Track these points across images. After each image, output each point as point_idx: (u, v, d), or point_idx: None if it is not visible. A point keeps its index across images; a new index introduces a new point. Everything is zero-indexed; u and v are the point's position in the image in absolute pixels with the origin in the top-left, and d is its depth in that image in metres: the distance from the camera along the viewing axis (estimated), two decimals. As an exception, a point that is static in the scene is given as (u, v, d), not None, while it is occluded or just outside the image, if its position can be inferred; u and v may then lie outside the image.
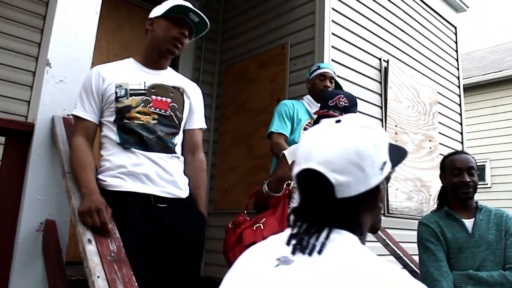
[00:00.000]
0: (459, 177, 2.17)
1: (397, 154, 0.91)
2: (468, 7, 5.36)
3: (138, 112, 1.78)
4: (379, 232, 2.83)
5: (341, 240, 0.77)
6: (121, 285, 1.38)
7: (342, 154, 0.79)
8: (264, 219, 2.19)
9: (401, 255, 2.72)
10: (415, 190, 4.13)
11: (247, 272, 0.81)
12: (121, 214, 1.63)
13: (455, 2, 5.24)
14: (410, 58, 4.47)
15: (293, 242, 0.79)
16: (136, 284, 1.41)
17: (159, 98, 1.83)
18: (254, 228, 2.17)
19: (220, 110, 4.29)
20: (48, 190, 1.94)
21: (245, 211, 2.32)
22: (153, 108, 1.81)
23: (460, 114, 5.15)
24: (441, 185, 2.33)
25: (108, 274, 1.41)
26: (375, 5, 4.09)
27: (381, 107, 3.97)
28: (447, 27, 5.18)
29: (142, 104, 1.79)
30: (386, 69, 4.05)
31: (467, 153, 2.30)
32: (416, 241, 2.27)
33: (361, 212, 0.84)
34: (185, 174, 1.90)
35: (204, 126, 2.04)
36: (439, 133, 4.66)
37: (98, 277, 1.39)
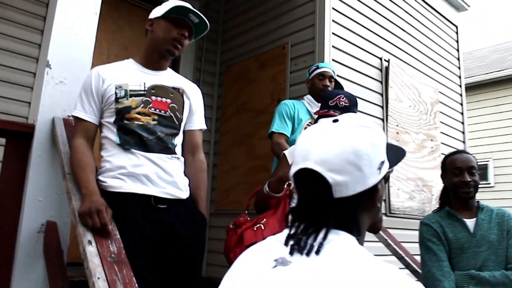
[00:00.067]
0: (459, 177, 2.16)
1: (395, 154, 0.91)
2: (469, 6, 5.35)
3: (138, 113, 1.78)
4: (380, 232, 2.82)
5: (338, 241, 0.77)
6: (121, 286, 1.38)
7: (339, 153, 0.78)
8: (265, 219, 2.19)
9: (403, 255, 2.71)
10: (417, 189, 4.13)
11: (246, 272, 0.81)
12: (121, 215, 1.63)
13: (456, 1, 5.23)
14: (411, 58, 4.46)
15: (291, 242, 0.78)
16: (136, 285, 1.41)
17: (159, 99, 1.83)
18: (255, 229, 2.17)
19: (221, 111, 4.28)
20: (49, 191, 1.95)
21: (246, 212, 2.32)
22: (153, 109, 1.81)
23: (462, 113, 5.14)
24: (443, 184, 2.33)
25: (109, 275, 1.41)
26: (376, 5, 4.08)
27: (382, 107, 3.97)
28: (448, 26, 5.17)
29: (142, 105, 1.79)
30: (387, 68, 4.04)
31: (468, 153, 2.29)
32: (418, 241, 2.26)
33: (359, 212, 0.83)
34: (185, 175, 1.90)
35: (204, 127, 2.04)
36: (441, 132, 4.65)
37: (99, 278, 1.39)
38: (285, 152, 2.31)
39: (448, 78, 5.00)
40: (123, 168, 1.72)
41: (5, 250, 1.86)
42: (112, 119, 1.78)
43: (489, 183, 9.63)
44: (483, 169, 9.58)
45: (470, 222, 2.16)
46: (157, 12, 1.88)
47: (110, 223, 1.55)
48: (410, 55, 4.45)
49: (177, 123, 1.87)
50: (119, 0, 3.88)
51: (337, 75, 3.09)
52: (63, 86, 2.06)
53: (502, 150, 9.57)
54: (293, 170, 0.84)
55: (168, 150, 1.81)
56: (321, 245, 0.75)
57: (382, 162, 0.84)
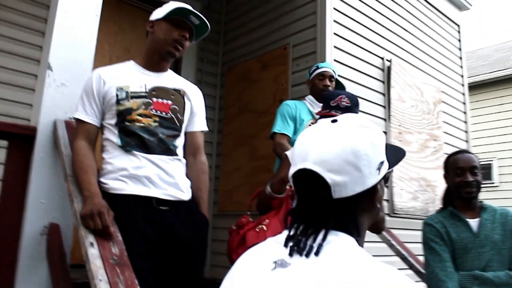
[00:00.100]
0: (461, 177, 2.15)
1: (395, 154, 0.90)
2: (471, 5, 5.33)
3: (139, 115, 1.78)
4: (383, 232, 2.81)
5: (338, 242, 0.77)
6: (123, 288, 1.38)
7: (338, 153, 0.78)
8: (267, 220, 2.19)
9: (406, 255, 2.70)
10: (420, 190, 4.11)
11: (247, 273, 0.81)
12: (123, 217, 1.63)
13: (458, 0, 5.22)
14: (413, 57, 4.45)
15: (290, 244, 0.78)
16: (138, 287, 1.40)
17: (160, 100, 1.84)
18: (257, 230, 2.17)
19: (223, 112, 4.29)
20: (51, 194, 1.95)
21: (248, 213, 2.32)
22: (154, 110, 1.81)
23: (465, 113, 5.12)
24: (446, 184, 2.32)
25: (111, 277, 1.41)
26: (377, 4, 4.08)
27: (384, 107, 3.96)
28: (451, 26, 5.15)
29: (143, 107, 1.80)
30: (389, 68, 4.03)
31: (470, 152, 2.28)
32: (421, 241, 2.25)
33: (358, 213, 0.83)
34: (187, 177, 1.90)
35: (205, 128, 2.04)
36: (444, 132, 4.63)
37: (101, 280, 1.39)
38: (287, 152, 2.31)
39: (450, 78, 4.99)
40: (124, 170, 1.72)
41: (8, 253, 1.86)
42: (113, 121, 1.79)
43: (493, 183, 9.59)
44: (487, 169, 9.55)
45: (474, 222, 2.15)
46: (158, 14, 1.89)
47: (111, 225, 1.55)
48: (412, 54, 4.44)
49: (178, 124, 1.87)
50: (121, 1, 3.89)
51: (339, 76, 3.08)
52: (65, 88, 2.06)
53: (507, 149, 9.53)
54: (292, 170, 0.84)
55: (170, 151, 1.81)
56: (320, 246, 0.75)
57: (382, 163, 0.83)
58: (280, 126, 2.77)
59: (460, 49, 5.24)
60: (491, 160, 9.67)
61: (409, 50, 4.41)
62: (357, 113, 2.32)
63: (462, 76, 5.20)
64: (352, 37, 3.72)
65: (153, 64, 1.91)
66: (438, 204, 3.99)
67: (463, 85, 5.19)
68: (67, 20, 2.12)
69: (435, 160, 4.33)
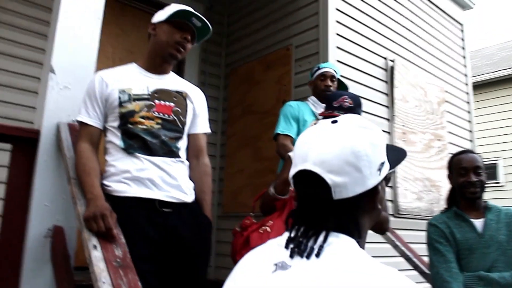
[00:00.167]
0: (465, 177, 2.14)
1: (395, 154, 0.90)
2: (474, 4, 5.31)
3: (142, 117, 1.78)
4: (388, 233, 2.81)
5: (338, 244, 0.76)
6: (126, 291, 1.38)
7: (338, 154, 0.78)
8: (270, 221, 2.19)
9: (411, 256, 2.69)
10: (424, 190, 4.10)
11: (248, 275, 0.81)
12: (126, 219, 1.64)
13: (461, 0, 5.20)
14: (417, 57, 4.44)
15: (291, 246, 0.78)
16: (141, 289, 1.41)
17: (162, 102, 1.84)
18: (261, 231, 2.16)
19: (227, 113, 4.29)
20: (55, 196, 1.96)
21: (252, 214, 2.32)
22: (156, 112, 1.81)
23: (469, 112, 5.10)
24: (450, 185, 2.31)
25: (114, 279, 1.41)
26: (380, 5, 4.07)
27: (388, 107, 3.95)
28: (454, 25, 5.14)
29: (146, 109, 1.80)
30: (392, 68, 4.02)
31: (474, 152, 2.27)
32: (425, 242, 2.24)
33: (359, 214, 0.82)
34: (190, 179, 1.90)
35: (208, 130, 2.04)
36: (448, 132, 4.62)
37: (104, 282, 1.39)
38: (290, 154, 2.30)
39: (454, 77, 4.97)
40: (127, 172, 1.72)
41: (13, 255, 1.87)
42: (116, 124, 1.79)
43: (498, 182, 9.54)
44: (492, 168, 9.50)
45: (478, 223, 2.13)
46: (160, 16, 1.89)
47: (114, 228, 1.56)
48: (415, 54, 4.43)
49: (180, 126, 1.87)
50: (124, 4, 3.90)
51: (342, 76, 3.08)
52: (68, 91, 2.07)
53: (512, 148, 9.49)
54: (292, 171, 0.84)
55: (172, 153, 1.82)
56: (321, 248, 0.75)
57: (382, 163, 0.83)
58: (283, 127, 2.76)
59: (463, 48, 5.22)
60: (497, 160, 9.61)
61: (412, 49, 4.40)
62: (360, 113, 2.31)
63: (466, 75, 5.18)
64: (355, 37, 3.71)
65: (156, 66, 1.92)
66: (442, 205, 3.97)
67: (467, 84, 5.17)
68: (69, 22, 2.13)
69: (440, 160, 4.31)
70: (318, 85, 2.85)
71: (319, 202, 0.79)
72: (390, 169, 0.86)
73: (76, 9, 2.16)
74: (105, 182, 1.74)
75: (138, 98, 1.81)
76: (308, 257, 0.74)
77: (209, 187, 1.99)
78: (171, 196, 1.76)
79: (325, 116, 2.30)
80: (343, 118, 0.85)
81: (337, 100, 2.29)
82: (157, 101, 1.83)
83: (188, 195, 1.84)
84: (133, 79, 1.86)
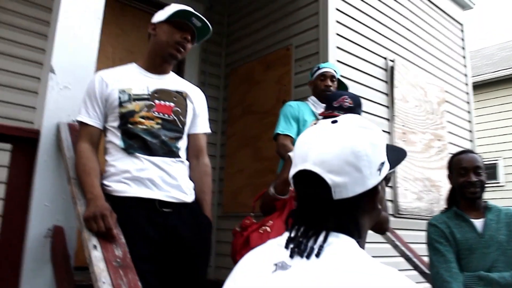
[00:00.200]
0: (465, 177, 2.14)
1: (396, 154, 0.90)
2: (474, 4, 5.31)
3: (142, 117, 1.78)
4: (388, 233, 2.81)
5: (338, 244, 0.76)
6: (126, 291, 1.38)
7: (338, 154, 0.78)
8: (270, 221, 2.19)
9: (411, 256, 2.69)
10: (425, 190, 4.10)
11: (248, 275, 0.81)
12: (126, 219, 1.64)
13: (461, 0, 5.20)
14: (417, 57, 4.44)
15: (291, 246, 0.78)
16: (141, 289, 1.41)
17: (162, 102, 1.84)
18: (261, 231, 2.16)
19: (227, 113, 4.29)
20: (55, 196, 1.96)
21: (252, 214, 2.32)
22: (156, 112, 1.81)
23: (469, 112, 5.10)
24: (450, 185, 2.31)
25: (114, 279, 1.41)
26: (380, 5, 4.07)
27: (388, 107, 3.95)
28: (454, 25, 5.14)
29: (146, 109, 1.80)
30: (392, 68, 4.03)
31: (474, 152, 2.27)
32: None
33: (359, 214, 0.82)
34: (190, 179, 1.90)
35: (208, 130, 2.04)
36: (448, 132, 4.62)
37: (104, 282, 1.39)
38: (290, 153, 2.30)
39: (454, 77, 4.97)
40: (127, 172, 1.72)
41: (13, 255, 1.87)
42: (116, 123, 1.79)
43: (498, 182, 9.54)
44: (492, 168, 9.49)
45: (478, 223, 2.13)
46: (160, 16, 1.89)
47: (114, 228, 1.56)
48: (415, 54, 4.43)
49: (180, 126, 1.87)
50: (124, 4, 3.90)
51: (342, 76, 3.08)
52: (68, 91, 2.07)
53: (512, 148, 9.48)
54: (292, 171, 0.84)
55: (172, 153, 1.82)
56: (321, 248, 0.75)
57: (382, 163, 0.83)
58: (283, 127, 2.76)
59: (463, 48, 5.22)
60: (497, 160, 9.61)
61: (412, 49, 4.40)
62: (360, 113, 2.31)
63: (466, 75, 5.18)
64: (355, 37, 3.72)
65: (155, 66, 1.92)
66: (443, 205, 3.97)
67: (467, 84, 5.17)
68: (69, 22, 2.13)
69: (440, 160, 4.31)
70: (318, 85, 2.85)
71: (319, 202, 0.79)
72: (390, 169, 0.86)
73: (76, 9, 2.16)
74: (105, 182, 1.74)
75: (138, 98, 1.81)
76: (308, 257, 0.74)
77: (209, 187, 1.99)
78: (171, 196, 1.76)
79: (325, 116, 2.30)
80: (343, 118, 0.85)
81: (337, 100, 2.29)
82: (157, 101, 1.83)
83: (188, 195, 1.84)
84: (133, 79, 1.86)
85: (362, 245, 0.79)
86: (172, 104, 1.86)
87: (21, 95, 3.06)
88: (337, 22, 3.53)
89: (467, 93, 5.15)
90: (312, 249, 0.75)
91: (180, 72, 3.88)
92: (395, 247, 2.83)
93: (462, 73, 5.14)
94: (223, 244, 3.71)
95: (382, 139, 0.85)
